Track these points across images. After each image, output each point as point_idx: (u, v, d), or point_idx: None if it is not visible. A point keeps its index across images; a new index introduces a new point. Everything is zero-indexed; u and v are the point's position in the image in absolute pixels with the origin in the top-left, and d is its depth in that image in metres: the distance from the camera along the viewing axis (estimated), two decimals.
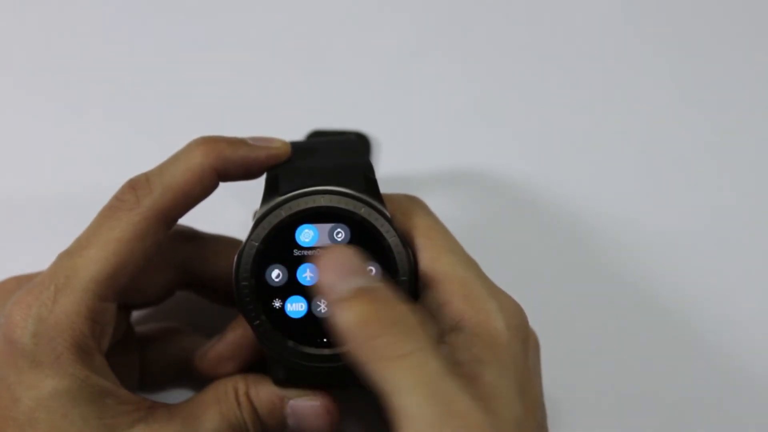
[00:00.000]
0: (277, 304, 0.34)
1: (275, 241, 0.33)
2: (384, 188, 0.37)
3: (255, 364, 0.37)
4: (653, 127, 0.50)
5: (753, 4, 0.54)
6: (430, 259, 0.35)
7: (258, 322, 0.33)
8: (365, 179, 0.34)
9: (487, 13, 0.53)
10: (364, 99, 0.51)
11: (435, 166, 0.49)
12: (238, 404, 0.35)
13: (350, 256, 0.31)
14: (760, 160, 0.50)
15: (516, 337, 0.33)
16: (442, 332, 0.33)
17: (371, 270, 0.34)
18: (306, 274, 0.34)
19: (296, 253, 0.34)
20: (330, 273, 0.31)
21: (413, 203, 0.37)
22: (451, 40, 0.52)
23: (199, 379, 0.37)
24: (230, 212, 0.42)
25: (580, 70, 0.52)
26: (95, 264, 0.32)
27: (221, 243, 0.39)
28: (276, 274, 0.34)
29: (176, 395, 0.41)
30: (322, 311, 0.34)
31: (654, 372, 0.44)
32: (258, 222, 0.34)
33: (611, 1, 0.53)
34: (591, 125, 0.50)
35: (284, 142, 0.36)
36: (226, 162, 0.34)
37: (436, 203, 0.47)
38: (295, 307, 0.34)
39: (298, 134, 0.49)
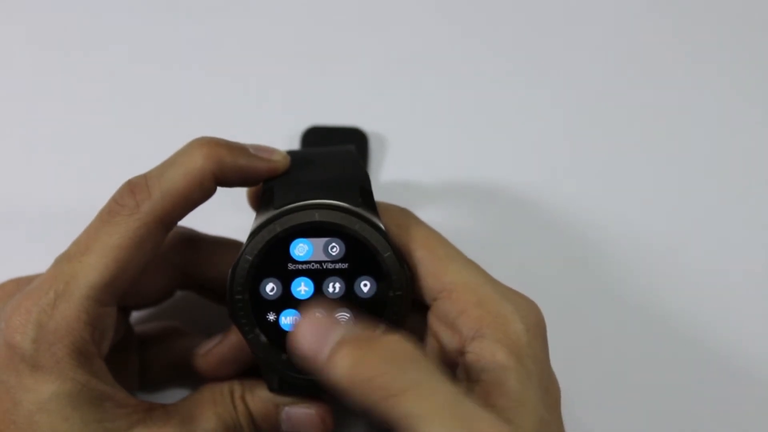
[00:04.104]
0: (271, 317, 0.33)
1: (269, 256, 0.33)
2: (384, 195, 0.37)
3: (251, 367, 0.37)
4: (652, 133, 0.50)
5: (749, 10, 0.53)
6: (435, 271, 0.34)
7: (252, 335, 0.33)
8: (361, 192, 0.34)
9: (489, 21, 0.53)
10: (364, 101, 0.50)
11: (435, 172, 0.48)
12: (234, 407, 0.35)
13: (313, 320, 0.30)
14: (759, 161, 0.49)
15: (536, 335, 0.33)
16: (464, 341, 0.33)
17: (344, 316, 0.33)
18: (300, 288, 0.33)
19: (291, 267, 0.33)
20: (305, 348, 0.29)
21: (407, 215, 0.36)
22: (453, 45, 0.52)
23: (199, 379, 0.37)
24: (226, 217, 0.42)
25: (582, 77, 0.51)
26: (95, 271, 0.32)
27: (221, 245, 0.39)
28: (270, 288, 0.33)
29: (176, 394, 0.41)
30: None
31: (653, 374, 0.44)
32: (252, 236, 0.33)
33: (612, 9, 0.53)
34: (591, 132, 0.50)
35: (284, 156, 0.35)
36: (225, 169, 0.34)
37: (435, 210, 0.47)
38: (290, 320, 0.33)
39: (296, 131, 0.49)
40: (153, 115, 0.49)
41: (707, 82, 0.51)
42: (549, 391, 0.32)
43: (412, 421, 0.27)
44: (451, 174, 0.48)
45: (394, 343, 0.29)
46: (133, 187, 0.33)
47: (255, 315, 0.33)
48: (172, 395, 0.42)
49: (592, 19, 0.53)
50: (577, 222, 0.48)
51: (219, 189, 0.35)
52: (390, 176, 0.48)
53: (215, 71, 0.51)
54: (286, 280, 0.33)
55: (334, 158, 0.37)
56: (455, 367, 0.34)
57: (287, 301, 0.33)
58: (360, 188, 0.34)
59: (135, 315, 0.41)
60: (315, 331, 0.29)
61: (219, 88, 0.50)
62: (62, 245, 0.34)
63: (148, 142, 0.45)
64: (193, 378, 0.38)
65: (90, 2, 0.52)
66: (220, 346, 0.37)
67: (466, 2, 0.53)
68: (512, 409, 0.30)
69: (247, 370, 0.37)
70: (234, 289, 0.33)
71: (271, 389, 0.35)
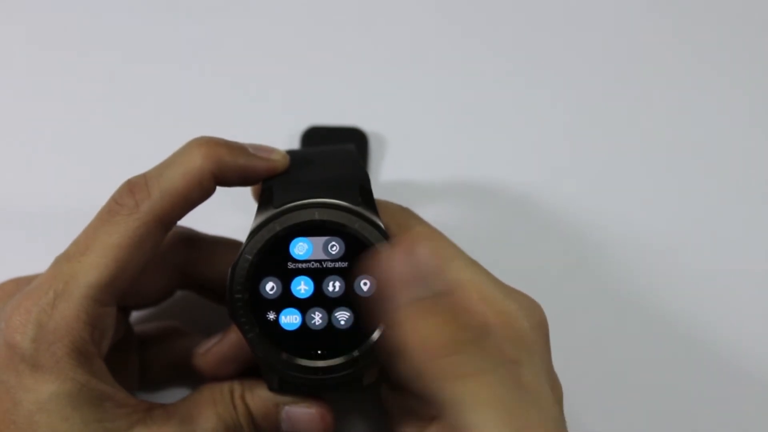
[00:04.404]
0: (271, 316, 0.33)
1: (269, 255, 0.33)
2: (383, 195, 0.37)
3: (251, 367, 0.37)
4: (652, 133, 0.50)
5: (749, 10, 0.53)
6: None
7: (252, 334, 0.33)
8: (361, 191, 0.34)
9: (489, 21, 0.53)
10: (364, 101, 0.50)
11: (435, 172, 0.48)
12: (234, 407, 0.35)
13: (421, 257, 0.30)
14: (759, 161, 0.49)
15: (540, 333, 0.33)
16: None
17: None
18: (300, 287, 0.33)
19: (290, 266, 0.33)
20: (392, 278, 0.30)
21: (407, 213, 0.36)
22: (453, 45, 0.52)
23: (199, 379, 0.37)
24: (226, 216, 0.42)
25: (582, 77, 0.51)
26: (94, 270, 0.32)
27: (220, 245, 0.39)
28: (270, 287, 0.33)
29: (176, 394, 0.41)
30: (317, 324, 0.33)
31: (653, 373, 0.44)
32: (252, 235, 0.33)
33: (612, 10, 0.53)
34: (591, 132, 0.50)
35: (284, 155, 0.35)
36: (225, 168, 0.34)
37: (434, 210, 0.47)
38: (290, 319, 0.33)
39: (296, 131, 0.49)
40: (153, 115, 0.49)
41: (707, 82, 0.51)
42: (554, 389, 0.33)
43: (463, 405, 0.28)
44: (450, 174, 0.48)
45: (478, 327, 0.30)
46: (133, 187, 0.33)
47: (255, 314, 0.33)
48: (172, 395, 0.41)
49: (592, 19, 0.53)
50: (577, 222, 0.48)
51: (218, 189, 0.35)
52: (390, 176, 0.48)
53: (215, 71, 0.51)
54: (285, 279, 0.33)
55: (334, 157, 0.37)
56: None
57: (287, 300, 0.33)
58: (360, 187, 0.34)
59: (135, 315, 0.41)
60: (416, 273, 0.30)
61: (219, 88, 0.50)
62: (62, 245, 0.33)
63: (148, 142, 0.45)
64: (193, 378, 0.38)
65: (90, 2, 0.52)
66: (220, 345, 0.37)
67: (466, 2, 0.53)
68: (531, 402, 0.30)
69: (247, 370, 0.37)
70: (234, 288, 0.33)
71: (271, 389, 0.35)
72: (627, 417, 0.43)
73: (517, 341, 0.32)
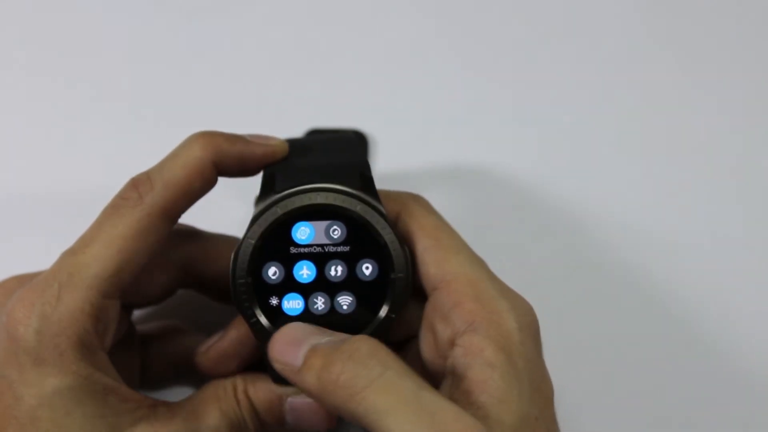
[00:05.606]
0: (274, 301, 0.33)
1: (272, 239, 0.33)
2: (384, 186, 0.37)
3: (253, 363, 0.37)
4: (653, 126, 0.50)
5: (749, 10, 0.54)
6: (438, 260, 0.35)
7: (255, 320, 0.33)
8: (362, 177, 0.34)
9: (488, 11, 0.53)
10: (362, 97, 0.51)
11: (435, 164, 0.49)
12: (237, 402, 0.35)
13: (289, 333, 0.32)
14: (760, 161, 0.50)
15: (529, 335, 0.33)
16: (455, 334, 0.33)
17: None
18: (303, 272, 0.34)
19: (293, 250, 0.33)
20: (279, 362, 0.31)
21: (417, 202, 0.37)
22: (452, 37, 0.52)
23: (200, 378, 0.37)
24: (230, 210, 0.42)
25: (582, 69, 0.52)
26: (99, 261, 0.32)
27: (222, 242, 0.39)
28: (273, 272, 0.33)
29: (177, 393, 0.41)
30: (320, 308, 0.34)
31: (653, 373, 0.44)
32: (254, 220, 0.33)
33: (612, 9, 0.54)
34: (592, 124, 0.50)
35: (281, 141, 0.36)
36: (224, 156, 0.34)
37: (435, 202, 0.48)
38: (293, 304, 0.34)
39: (296, 133, 0.49)
40: (153, 115, 0.50)
41: (707, 81, 0.52)
42: (540, 390, 0.32)
43: (376, 416, 0.28)
44: (450, 174, 0.49)
45: (357, 342, 0.30)
46: (136, 182, 0.34)
47: (258, 299, 0.33)
48: (173, 394, 0.41)
49: (592, 19, 0.53)
50: (577, 221, 0.48)
51: (222, 184, 0.35)
52: (389, 176, 0.49)
53: (215, 73, 0.51)
54: (288, 263, 0.34)
55: (335, 144, 0.37)
56: (446, 360, 0.34)
57: (289, 284, 0.34)
58: (360, 173, 0.34)
59: (136, 314, 0.41)
60: (289, 342, 0.31)
61: (219, 91, 0.50)
62: (63, 244, 0.34)
63: (148, 142, 0.45)
64: (194, 377, 0.38)
65: (90, 2, 0.52)
66: (221, 342, 0.37)
67: (466, 2, 0.54)
68: (493, 406, 0.31)
69: (250, 366, 0.37)
70: (237, 273, 0.33)
71: (275, 379, 0.35)
72: (626, 417, 0.43)
73: (499, 342, 0.32)
